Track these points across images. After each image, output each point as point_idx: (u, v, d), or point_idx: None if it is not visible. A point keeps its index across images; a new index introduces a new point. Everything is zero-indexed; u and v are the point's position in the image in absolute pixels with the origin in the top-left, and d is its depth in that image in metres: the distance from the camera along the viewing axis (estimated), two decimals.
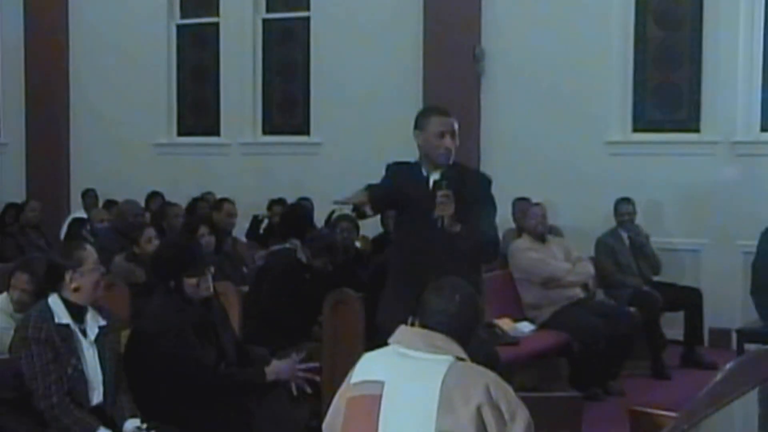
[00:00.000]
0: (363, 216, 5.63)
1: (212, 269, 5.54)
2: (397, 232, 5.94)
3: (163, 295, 5.46)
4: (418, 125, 5.69)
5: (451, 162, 5.49)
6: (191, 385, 5.26)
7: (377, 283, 7.13)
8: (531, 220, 8.75)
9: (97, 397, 4.92)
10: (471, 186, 5.45)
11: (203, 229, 8.35)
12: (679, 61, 10.63)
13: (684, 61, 10.60)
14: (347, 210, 9.48)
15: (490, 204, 5.56)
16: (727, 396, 3.09)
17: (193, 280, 5.36)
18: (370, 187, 5.61)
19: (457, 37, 11.08)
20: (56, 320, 4.86)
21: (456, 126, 5.58)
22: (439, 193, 5.25)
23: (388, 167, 6.02)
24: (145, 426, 4.92)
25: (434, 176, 5.47)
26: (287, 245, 7.92)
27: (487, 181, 5.62)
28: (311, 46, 12.37)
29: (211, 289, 5.48)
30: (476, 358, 3.59)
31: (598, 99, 10.60)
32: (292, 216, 9.25)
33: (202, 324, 5.39)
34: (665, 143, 10.54)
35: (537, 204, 9.01)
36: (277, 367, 5.47)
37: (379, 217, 9.81)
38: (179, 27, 13.39)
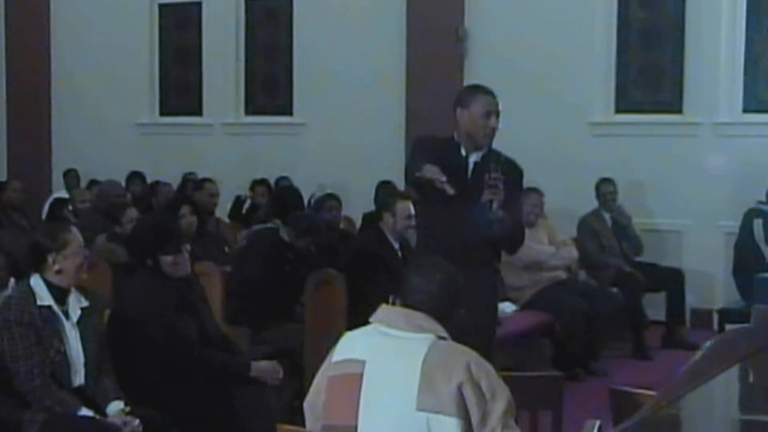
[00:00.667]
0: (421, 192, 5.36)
1: (188, 247, 5.54)
2: (425, 214, 5.60)
3: (143, 274, 5.47)
4: (462, 102, 5.40)
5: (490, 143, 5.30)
6: (174, 364, 5.27)
7: (358, 264, 7.18)
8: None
9: (78, 379, 4.90)
10: (509, 173, 5.25)
11: (185, 209, 8.33)
12: (662, 43, 10.64)
13: (667, 42, 10.61)
14: (329, 190, 9.52)
15: (521, 193, 5.50)
16: (705, 374, 3.11)
17: (169, 258, 5.36)
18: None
19: (440, 18, 11.07)
20: (38, 302, 4.84)
21: (499, 107, 5.39)
22: (493, 175, 5.01)
23: (421, 142, 5.63)
24: (128, 408, 4.91)
25: (473, 157, 5.29)
26: (270, 225, 7.91)
27: (520, 171, 5.47)
28: (294, 27, 12.33)
29: (189, 268, 5.50)
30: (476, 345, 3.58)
31: (581, 80, 10.61)
32: (282, 197, 9.24)
33: (182, 302, 5.40)
34: (648, 124, 10.56)
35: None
36: (260, 367, 5.51)
37: (373, 197, 9.87)
38: (161, 6, 13.33)
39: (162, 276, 5.38)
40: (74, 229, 5.11)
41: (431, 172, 5.04)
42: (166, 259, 5.37)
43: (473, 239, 5.16)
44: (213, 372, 5.38)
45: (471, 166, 5.27)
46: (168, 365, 5.28)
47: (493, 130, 5.32)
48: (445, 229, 5.23)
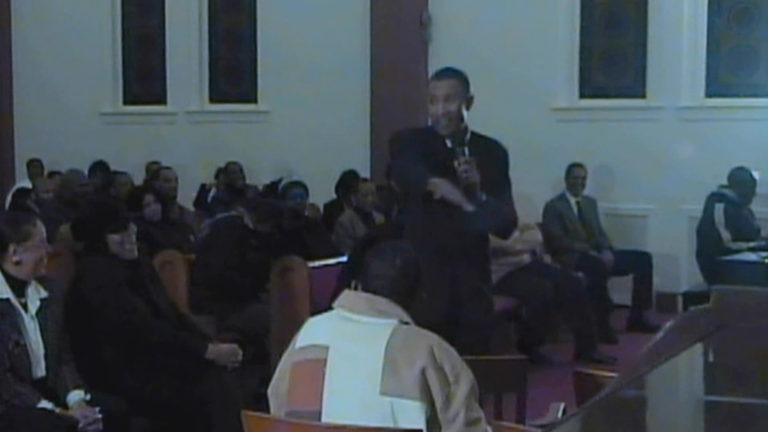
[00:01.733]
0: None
1: (134, 227, 5.55)
2: (415, 212, 5.16)
3: (90, 256, 5.48)
4: None
5: (453, 128, 4.96)
6: (131, 341, 5.27)
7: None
8: None
9: (39, 370, 4.88)
10: (491, 155, 5.02)
11: (148, 198, 8.30)
12: (625, 28, 10.69)
13: (629, 27, 10.66)
14: (296, 177, 9.51)
15: (506, 174, 5.14)
16: (665, 354, 3.13)
17: (116, 236, 5.39)
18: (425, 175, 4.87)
19: (404, 4, 11.07)
20: None
21: (448, 89, 5.02)
22: (461, 160, 4.79)
23: (401, 138, 5.29)
24: (89, 397, 4.89)
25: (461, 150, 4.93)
26: (233, 212, 7.89)
27: (502, 151, 5.18)
28: (258, 14, 12.29)
29: (135, 250, 5.50)
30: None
31: (545, 65, 10.64)
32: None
33: (132, 281, 5.42)
34: (612, 109, 10.61)
35: None
36: (219, 349, 5.48)
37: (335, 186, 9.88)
38: None
39: (110, 257, 5.40)
40: (39, 223, 5.05)
41: (447, 191, 4.78)
42: (114, 238, 5.39)
43: (470, 233, 4.95)
44: (169, 346, 5.39)
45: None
46: (125, 344, 5.29)
47: (443, 116, 5.01)
48: (439, 225, 4.93)
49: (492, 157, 5.08)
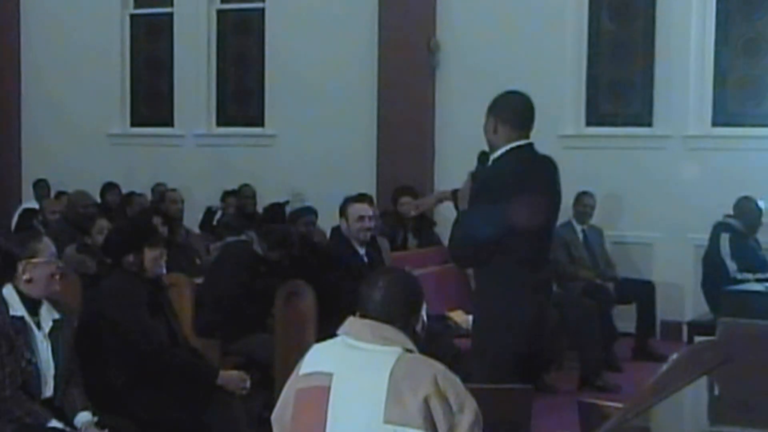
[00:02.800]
0: None
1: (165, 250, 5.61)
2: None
3: (116, 274, 5.51)
4: None
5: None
6: (146, 362, 5.29)
7: (323, 273, 7.16)
8: None
9: (48, 390, 4.89)
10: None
11: (156, 220, 8.31)
12: (632, 56, 10.71)
13: (637, 56, 10.69)
14: (303, 202, 9.50)
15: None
16: (671, 386, 3.12)
17: (155, 252, 5.46)
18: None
19: (412, 30, 11.09)
20: (11, 312, 4.81)
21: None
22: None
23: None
24: (96, 418, 4.89)
25: None
26: (243, 237, 7.88)
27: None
28: (266, 38, 12.33)
29: (164, 269, 5.58)
30: (433, 351, 3.59)
31: (552, 92, 10.61)
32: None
33: (154, 303, 5.43)
34: (618, 137, 10.62)
35: None
36: (228, 376, 5.54)
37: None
38: (133, 17, 13.30)
39: (136, 276, 5.42)
40: (45, 239, 5.08)
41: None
42: (152, 253, 5.47)
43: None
44: (182, 372, 5.43)
45: None
46: (140, 365, 5.31)
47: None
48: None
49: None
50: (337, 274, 6.91)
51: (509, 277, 4.94)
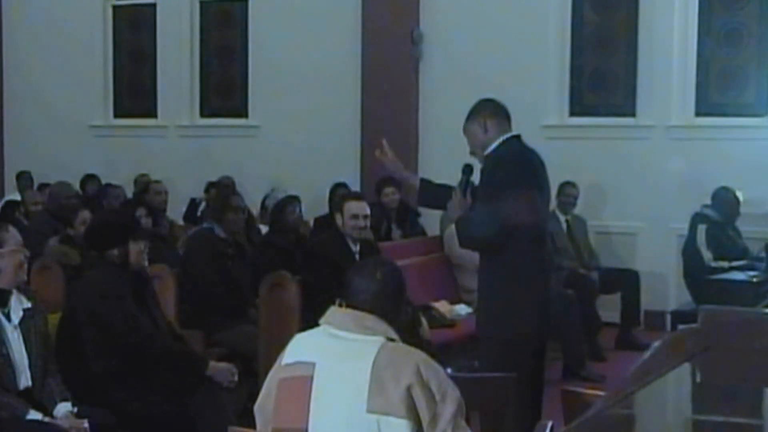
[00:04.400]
0: None
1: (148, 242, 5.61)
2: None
3: (100, 267, 5.50)
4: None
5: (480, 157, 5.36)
6: (134, 351, 5.28)
7: (311, 265, 7.15)
8: None
9: (24, 381, 4.86)
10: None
11: (141, 211, 8.30)
12: (615, 47, 10.72)
13: (620, 46, 10.70)
14: (290, 192, 9.47)
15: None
16: (653, 373, 3.13)
17: (140, 244, 5.44)
18: None
19: (395, 20, 11.09)
20: None
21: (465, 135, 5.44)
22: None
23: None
24: (76, 409, 4.87)
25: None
26: (205, 225, 7.85)
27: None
28: (249, 29, 12.30)
29: (147, 261, 5.55)
30: (408, 339, 3.61)
31: (535, 83, 10.65)
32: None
33: (137, 293, 5.42)
34: (601, 127, 10.64)
35: None
36: (218, 368, 5.54)
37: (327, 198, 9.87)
38: (115, 8, 13.24)
39: (118, 268, 5.41)
40: (12, 229, 5.03)
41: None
42: (137, 246, 5.44)
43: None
44: (172, 362, 5.42)
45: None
46: (125, 356, 5.29)
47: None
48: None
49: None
50: (328, 269, 6.89)
51: (518, 263, 5.15)
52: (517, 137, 5.34)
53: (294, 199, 8.53)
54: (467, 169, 5.35)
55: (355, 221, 7.07)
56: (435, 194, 5.65)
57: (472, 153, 5.37)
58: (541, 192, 5.28)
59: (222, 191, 7.73)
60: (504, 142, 5.27)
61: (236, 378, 5.58)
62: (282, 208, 8.37)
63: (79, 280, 5.90)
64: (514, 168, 5.19)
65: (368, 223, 7.28)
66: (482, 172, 5.29)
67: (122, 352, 5.32)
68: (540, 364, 5.27)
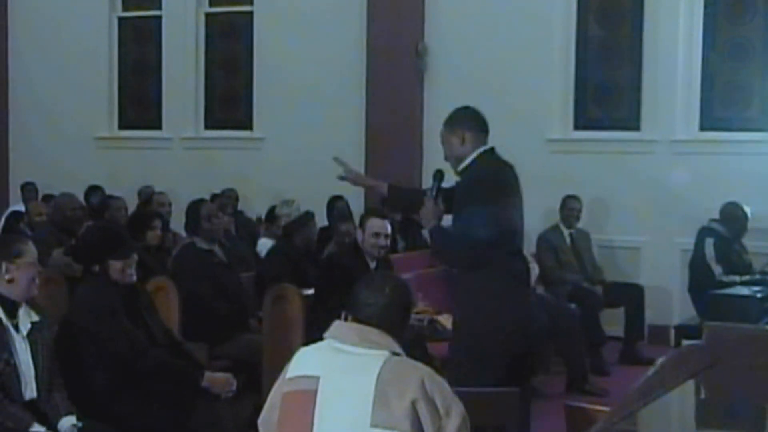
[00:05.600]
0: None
1: (136, 256, 5.54)
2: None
3: (89, 281, 5.48)
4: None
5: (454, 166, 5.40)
6: (125, 367, 5.25)
7: (326, 277, 7.14)
8: None
9: (30, 392, 4.86)
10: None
11: (156, 222, 8.31)
12: (620, 60, 10.73)
13: (624, 60, 10.70)
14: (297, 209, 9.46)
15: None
16: (657, 390, 3.13)
17: (118, 264, 5.36)
18: None
19: (400, 34, 11.10)
20: None
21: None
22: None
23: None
24: (80, 424, 4.87)
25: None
26: (187, 241, 7.83)
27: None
28: (254, 41, 12.33)
29: (134, 277, 5.49)
30: (412, 353, 3.61)
31: (540, 97, 10.67)
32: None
33: (130, 308, 5.40)
34: (606, 141, 10.63)
35: None
36: (214, 378, 5.49)
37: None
38: (121, 20, 13.28)
39: (108, 282, 5.38)
40: (30, 243, 5.08)
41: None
42: (116, 265, 5.37)
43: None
44: (165, 374, 5.38)
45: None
46: (119, 370, 5.27)
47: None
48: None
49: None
50: (341, 280, 6.86)
51: (498, 277, 5.09)
52: (491, 150, 5.35)
53: (312, 216, 8.57)
54: (438, 175, 5.32)
55: (376, 239, 7.07)
56: (404, 198, 5.80)
57: (446, 159, 5.39)
58: (515, 209, 5.30)
59: (192, 205, 7.69)
60: (480, 155, 5.27)
61: (234, 388, 5.52)
62: (304, 224, 8.36)
63: (72, 294, 5.88)
64: (491, 187, 5.17)
65: (388, 243, 7.26)
66: (459, 185, 5.30)
67: (119, 367, 5.30)
68: (516, 379, 4.96)
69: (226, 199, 11.09)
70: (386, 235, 7.11)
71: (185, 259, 7.45)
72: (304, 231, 8.25)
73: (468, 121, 5.40)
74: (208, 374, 5.48)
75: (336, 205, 10.17)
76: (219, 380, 5.49)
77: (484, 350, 5.06)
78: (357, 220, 7.86)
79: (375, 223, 7.11)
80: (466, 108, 5.55)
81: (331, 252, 8.09)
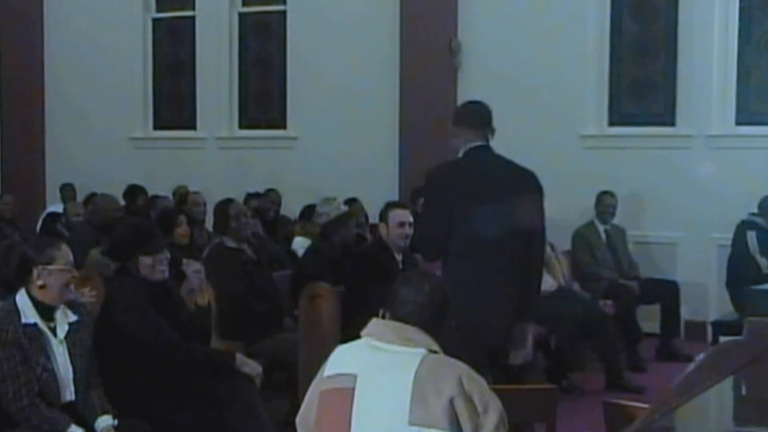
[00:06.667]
0: None
1: (168, 253, 5.59)
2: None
3: (121, 279, 5.52)
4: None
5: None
6: (160, 361, 5.30)
7: (358, 274, 7.16)
8: None
9: (69, 394, 4.85)
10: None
11: (181, 218, 8.35)
12: (655, 55, 10.67)
13: (659, 54, 10.64)
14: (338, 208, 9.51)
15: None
16: (698, 387, 3.10)
17: (148, 259, 5.41)
18: None
19: (433, 31, 11.08)
20: (23, 320, 4.76)
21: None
22: None
23: None
24: (116, 422, 4.88)
25: None
26: (217, 240, 7.86)
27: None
28: (288, 40, 12.34)
29: (166, 273, 5.53)
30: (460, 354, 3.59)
31: (574, 92, 10.63)
32: None
33: (161, 304, 5.43)
34: (641, 137, 10.58)
35: None
36: (246, 361, 5.58)
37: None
38: (155, 21, 13.34)
39: (138, 279, 5.43)
40: (64, 247, 4.99)
41: None
42: (145, 261, 5.42)
43: None
44: (198, 365, 5.43)
45: None
46: (154, 366, 5.31)
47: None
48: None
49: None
50: (373, 280, 6.87)
51: (455, 278, 5.01)
52: (481, 147, 5.34)
53: (352, 215, 8.60)
54: None
55: (401, 229, 7.13)
56: None
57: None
58: (451, 210, 5.20)
59: (219, 205, 7.73)
60: (468, 151, 5.34)
61: (260, 372, 5.60)
62: (343, 223, 8.39)
63: (107, 290, 5.92)
64: (430, 188, 5.44)
65: (412, 231, 7.29)
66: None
67: (153, 363, 5.33)
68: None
69: (221, 202, 11.05)
70: (410, 223, 7.16)
71: (216, 257, 7.47)
72: (342, 230, 8.26)
73: (461, 116, 5.49)
74: (239, 356, 5.57)
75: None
76: (250, 362, 5.59)
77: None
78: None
79: (398, 213, 7.19)
80: (469, 103, 5.66)
81: (358, 250, 8.10)
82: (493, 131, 5.40)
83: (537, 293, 5.43)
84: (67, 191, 12.57)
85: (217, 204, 7.80)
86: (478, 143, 5.34)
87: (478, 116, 5.42)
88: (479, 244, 5.16)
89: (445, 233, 5.20)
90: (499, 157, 5.41)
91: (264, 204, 10.81)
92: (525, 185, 5.35)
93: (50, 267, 4.83)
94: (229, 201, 7.82)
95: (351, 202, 9.85)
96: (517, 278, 5.23)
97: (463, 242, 5.19)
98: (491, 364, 5.08)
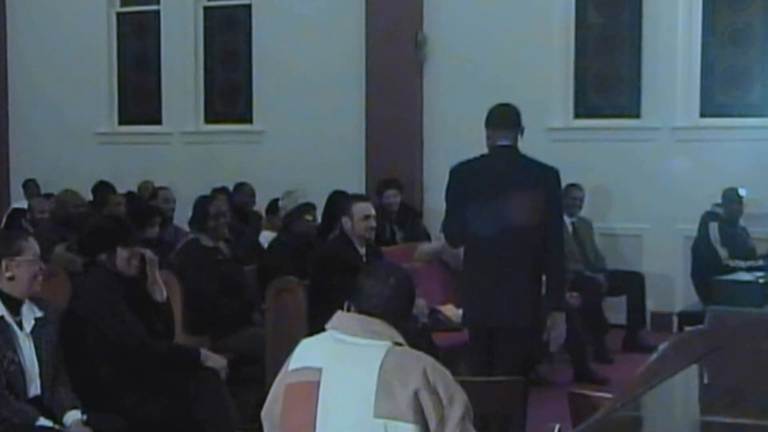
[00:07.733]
0: None
1: (140, 249, 5.62)
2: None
3: (91, 272, 5.53)
4: None
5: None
6: (127, 356, 5.30)
7: (322, 270, 7.15)
8: None
9: (34, 389, 4.88)
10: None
11: (156, 220, 8.31)
12: (620, 48, 10.72)
13: (624, 47, 10.69)
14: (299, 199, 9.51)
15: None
16: (660, 375, 3.12)
17: (126, 252, 5.43)
18: None
19: (399, 24, 11.08)
20: None
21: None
22: None
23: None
24: (85, 417, 4.88)
25: None
26: (191, 236, 7.82)
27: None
28: (253, 34, 12.31)
29: (137, 268, 5.55)
30: (418, 346, 3.61)
31: (540, 85, 10.64)
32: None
33: (131, 299, 5.42)
34: (606, 129, 10.63)
35: None
36: (210, 355, 5.66)
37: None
38: (119, 15, 13.25)
39: (110, 273, 5.43)
40: (31, 239, 5.06)
41: None
42: (123, 253, 5.43)
43: None
44: (165, 360, 5.47)
45: None
46: (122, 361, 5.31)
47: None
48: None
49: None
50: (337, 273, 6.88)
51: (468, 258, 5.83)
52: (497, 146, 5.84)
53: (312, 207, 8.56)
54: None
55: (367, 222, 7.15)
56: None
57: None
58: (478, 202, 5.66)
59: (200, 201, 7.71)
60: (490, 150, 5.86)
61: (225, 365, 5.66)
62: (301, 215, 8.36)
63: (74, 284, 5.91)
64: (450, 187, 5.84)
65: (375, 224, 7.34)
66: None
67: (121, 357, 5.33)
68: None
69: (201, 198, 10.98)
70: (374, 216, 7.24)
71: (189, 254, 7.45)
72: (301, 221, 8.22)
73: (488, 117, 5.95)
74: (203, 351, 5.66)
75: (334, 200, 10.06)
76: (215, 357, 5.66)
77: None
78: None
79: (362, 207, 7.23)
80: (498, 105, 6.10)
81: (321, 246, 8.07)
82: (522, 131, 5.93)
83: (559, 284, 5.84)
84: (31, 187, 12.47)
85: (197, 200, 7.78)
86: (501, 143, 5.78)
87: (503, 117, 5.91)
88: (489, 239, 5.59)
89: (459, 228, 5.73)
90: (522, 156, 5.88)
91: (242, 198, 10.76)
92: (540, 183, 5.86)
93: (18, 258, 4.86)
94: (209, 199, 7.82)
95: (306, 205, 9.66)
96: (527, 274, 5.67)
97: (475, 238, 5.68)
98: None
